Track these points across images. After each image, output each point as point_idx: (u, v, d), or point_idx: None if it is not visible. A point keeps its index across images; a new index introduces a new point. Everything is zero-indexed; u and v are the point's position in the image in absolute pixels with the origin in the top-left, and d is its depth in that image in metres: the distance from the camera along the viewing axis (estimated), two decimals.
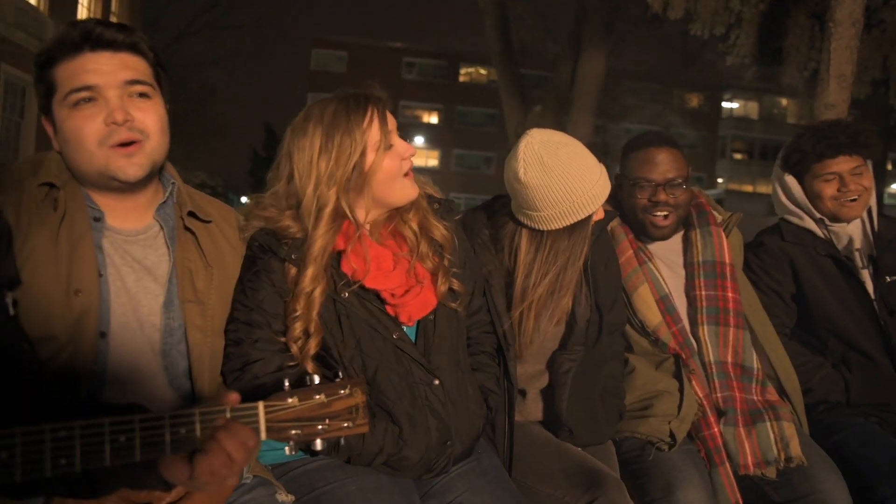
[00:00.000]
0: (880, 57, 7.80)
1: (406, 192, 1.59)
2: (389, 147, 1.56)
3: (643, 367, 2.02)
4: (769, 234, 2.42)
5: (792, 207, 2.36)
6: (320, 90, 42.48)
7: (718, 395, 1.99)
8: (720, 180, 42.00)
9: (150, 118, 1.38)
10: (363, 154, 1.53)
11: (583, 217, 1.78)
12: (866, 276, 2.26)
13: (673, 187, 2.04)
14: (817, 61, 7.85)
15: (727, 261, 2.11)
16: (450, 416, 1.60)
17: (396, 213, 1.64)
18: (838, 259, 2.27)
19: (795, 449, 1.89)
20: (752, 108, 42.70)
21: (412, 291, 1.57)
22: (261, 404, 1.06)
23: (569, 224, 1.78)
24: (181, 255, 1.46)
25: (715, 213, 2.22)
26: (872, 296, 2.22)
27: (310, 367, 1.49)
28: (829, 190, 2.27)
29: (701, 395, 1.95)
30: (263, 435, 1.07)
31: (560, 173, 1.74)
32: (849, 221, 2.31)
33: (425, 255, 1.62)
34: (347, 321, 1.54)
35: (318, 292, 1.48)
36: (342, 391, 1.10)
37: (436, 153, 43.15)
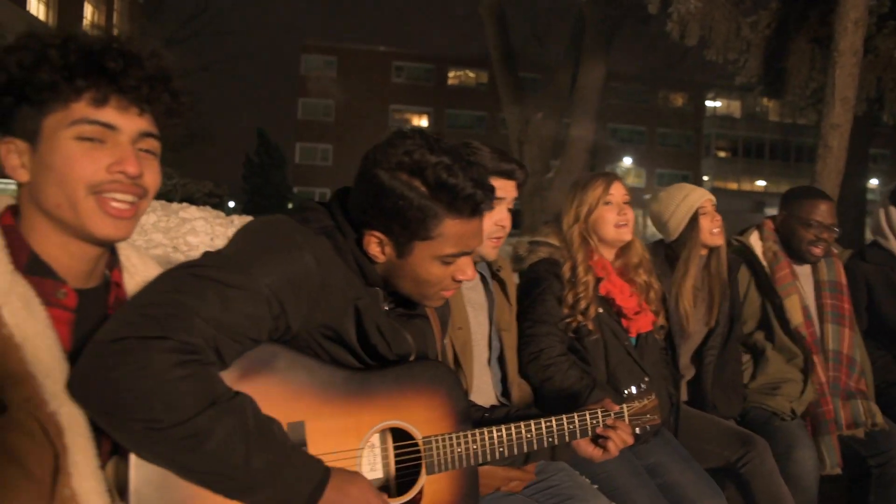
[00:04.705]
0: (874, 78, 8.67)
1: (619, 234, 2.31)
2: (608, 203, 2.32)
3: (776, 359, 2.75)
4: (852, 258, 3.14)
5: (887, 231, 3.06)
6: (311, 95, 42.90)
7: (831, 374, 2.72)
8: (705, 178, 43.04)
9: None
10: (591, 203, 2.31)
11: (691, 214, 2.61)
12: None
13: (831, 230, 2.79)
14: (818, 81, 8.67)
15: (843, 282, 2.89)
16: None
17: (629, 266, 2.36)
18: None
19: (880, 418, 2.64)
20: (735, 107, 43.80)
21: (641, 314, 2.30)
22: (625, 407, 1.68)
23: (687, 222, 2.62)
24: (497, 296, 2.11)
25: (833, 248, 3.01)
26: None
27: (591, 325, 2.21)
28: None
29: (823, 380, 2.67)
30: None
31: (665, 194, 2.76)
32: None
33: (652, 299, 2.35)
34: (598, 326, 2.24)
35: (591, 279, 2.24)
36: (649, 397, 1.75)
37: None
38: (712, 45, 8.07)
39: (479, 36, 19.46)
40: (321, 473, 1.16)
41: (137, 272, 1.30)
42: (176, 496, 1.11)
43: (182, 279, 1.15)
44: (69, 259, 1.15)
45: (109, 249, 1.25)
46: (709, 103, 43.86)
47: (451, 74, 44.45)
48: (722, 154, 44.55)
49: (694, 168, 43.85)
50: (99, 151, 1.12)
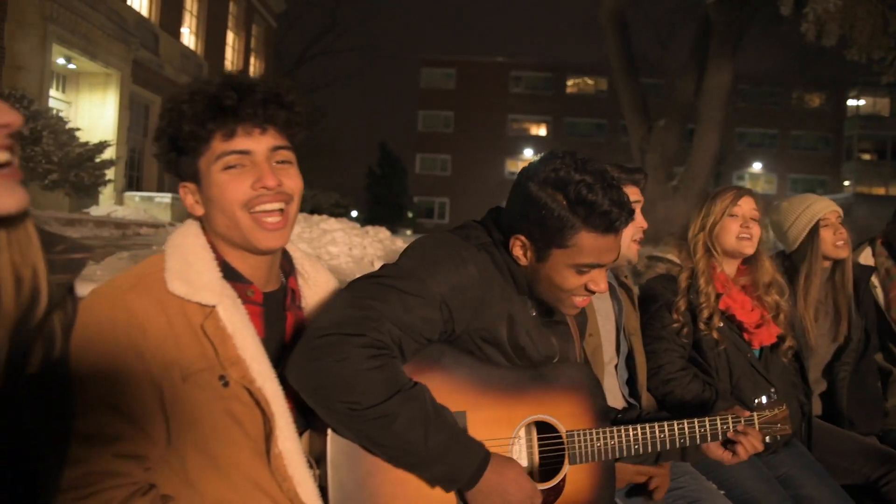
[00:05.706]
0: None
1: (740, 246, 2.36)
2: (733, 215, 2.39)
3: None
4: None
5: None
6: (430, 107, 43.91)
7: None
8: (846, 183, 39.81)
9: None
10: (717, 214, 2.39)
11: (812, 225, 2.59)
12: None
13: None
14: None
15: None
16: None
17: (758, 284, 2.39)
18: None
19: None
20: (883, 105, 40.17)
21: (763, 326, 2.32)
22: (755, 415, 1.76)
23: (807, 232, 2.60)
24: (624, 303, 2.24)
25: None
26: None
27: (715, 334, 2.27)
28: None
29: None
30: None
31: (787, 203, 2.75)
32: None
33: (781, 321, 2.35)
34: (721, 340, 2.30)
35: (711, 290, 2.30)
36: (779, 407, 1.81)
37: None
38: (854, 45, 7.58)
39: (598, 42, 19.21)
40: (483, 455, 1.36)
41: (310, 277, 1.57)
42: (363, 466, 1.35)
43: (371, 287, 1.40)
44: (249, 268, 1.43)
45: (283, 256, 1.52)
46: (851, 102, 40.53)
47: (569, 82, 43.99)
48: (866, 156, 40.94)
49: (833, 172, 40.68)
50: (242, 175, 1.35)
